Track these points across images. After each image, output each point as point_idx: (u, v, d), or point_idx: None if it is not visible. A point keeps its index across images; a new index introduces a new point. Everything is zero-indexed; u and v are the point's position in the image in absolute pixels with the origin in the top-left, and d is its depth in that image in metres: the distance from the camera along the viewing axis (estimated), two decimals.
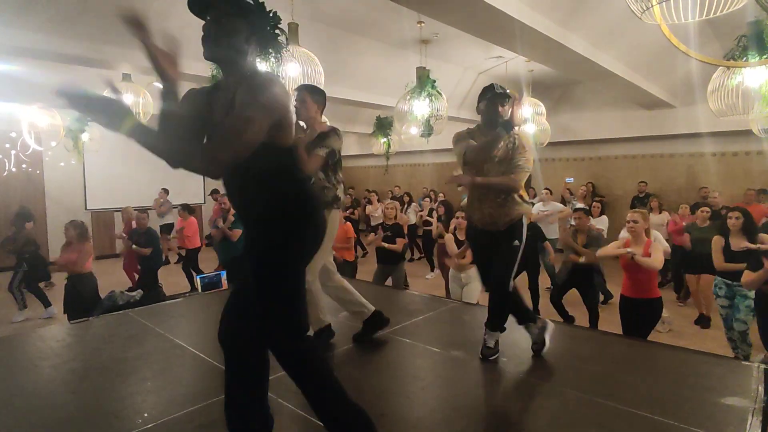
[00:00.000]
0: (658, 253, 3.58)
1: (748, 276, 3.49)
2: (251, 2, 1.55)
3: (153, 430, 1.88)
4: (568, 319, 4.85)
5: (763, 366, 2.32)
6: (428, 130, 5.92)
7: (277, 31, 3.58)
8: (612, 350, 2.73)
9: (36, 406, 2.08)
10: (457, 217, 4.90)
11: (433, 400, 2.20)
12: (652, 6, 2.17)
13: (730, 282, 4.00)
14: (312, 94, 2.65)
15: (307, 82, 3.75)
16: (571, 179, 10.09)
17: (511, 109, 2.44)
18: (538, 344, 2.57)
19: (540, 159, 9.94)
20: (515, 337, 2.70)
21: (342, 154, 2.73)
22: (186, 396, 2.15)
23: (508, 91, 2.54)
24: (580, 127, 9.33)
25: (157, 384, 2.30)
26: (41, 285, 6.72)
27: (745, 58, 3.36)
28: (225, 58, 1.52)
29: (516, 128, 2.47)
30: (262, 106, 1.38)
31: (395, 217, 5.60)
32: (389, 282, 5.35)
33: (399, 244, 5.29)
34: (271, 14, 3.53)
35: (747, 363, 2.45)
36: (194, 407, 2.02)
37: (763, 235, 3.83)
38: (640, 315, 3.65)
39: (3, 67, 5.66)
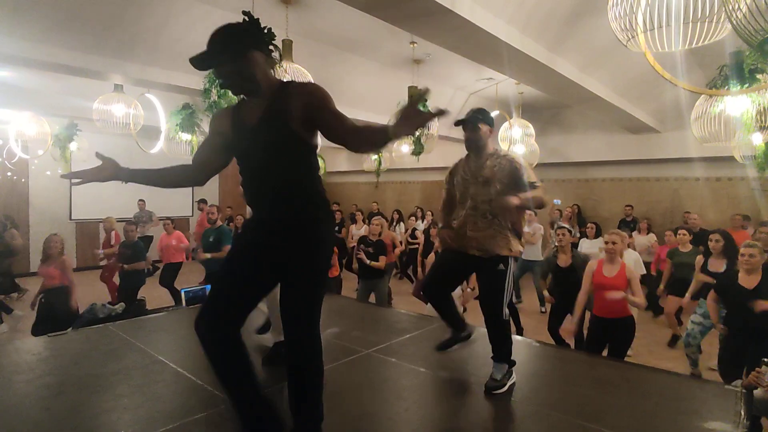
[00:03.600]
0: (638, 287, 3.55)
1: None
2: (240, 38, 1.75)
3: None
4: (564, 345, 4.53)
5: (744, 389, 2.33)
6: (419, 148, 6.01)
7: (271, 47, 3.61)
8: (596, 372, 2.72)
9: (7, 423, 2.00)
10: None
11: (417, 421, 2.16)
12: (637, 35, 2.24)
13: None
14: None
15: None
16: (558, 201, 10.18)
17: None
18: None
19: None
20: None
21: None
22: (164, 413, 2.09)
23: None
24: (569, 150, 9.48)
25: (134, 401, 2.24)
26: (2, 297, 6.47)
27: (726, 87, 3.46)
28: (249, 89, 1.74)
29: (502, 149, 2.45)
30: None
31: (380, 234, 5.46)
32: (372, 299, 5.30)
33: (381, 262, 5.23)
34: (266, 30, 3.57)
35: (729, 387, 2.46)
36: (172, 425, 1.97)
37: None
38: (615, 335, 3.59)
39: None
